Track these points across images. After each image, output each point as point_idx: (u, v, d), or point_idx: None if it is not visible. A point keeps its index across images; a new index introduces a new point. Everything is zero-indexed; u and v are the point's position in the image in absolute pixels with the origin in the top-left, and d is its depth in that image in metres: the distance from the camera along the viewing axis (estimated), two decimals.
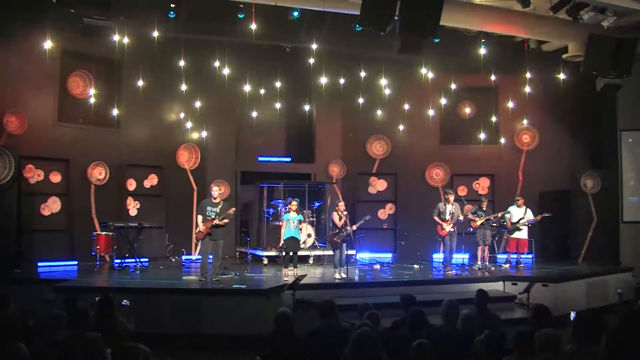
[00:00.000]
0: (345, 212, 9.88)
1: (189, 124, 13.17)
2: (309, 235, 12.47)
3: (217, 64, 12.09)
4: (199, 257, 10.33)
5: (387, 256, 12.97)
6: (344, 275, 9.71)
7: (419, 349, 4.09)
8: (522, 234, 11.53)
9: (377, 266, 11.57)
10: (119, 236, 11.13)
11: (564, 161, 13.78)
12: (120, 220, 11.70)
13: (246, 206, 13.95)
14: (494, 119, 14.20)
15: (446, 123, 14.47)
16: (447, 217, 10.62)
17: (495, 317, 5.99)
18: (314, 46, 11.73)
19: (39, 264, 10.21)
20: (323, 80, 12.85)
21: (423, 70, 13.02)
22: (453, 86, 13.70)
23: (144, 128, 12.86)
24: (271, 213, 13.01)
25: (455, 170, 14.11)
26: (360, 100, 13.88)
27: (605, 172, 13.01)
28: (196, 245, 12.10)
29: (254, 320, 7.75)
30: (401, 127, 14.17)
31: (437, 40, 10.66)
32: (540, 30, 11.14)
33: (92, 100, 11.68)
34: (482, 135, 13.96)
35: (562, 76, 12.13)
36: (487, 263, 11.21)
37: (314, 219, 13.03)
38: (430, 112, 13.90)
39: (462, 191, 13.81)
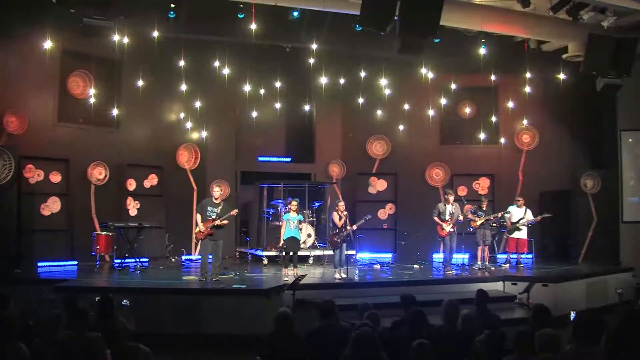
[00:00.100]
0: (345, 212, 9.88)
1: (189, 124, 13.17)
2: (309, 235, 12.48)
3: (217, 64, 12.09)
4: (199, 257, 10.33)
5: (387, 256, 12.97)
6: (344, 275, 9.71)
7: (419, 349, 4.09)
8: (522, 234, 11.53)
9: (377, 266, 11.57)
10: (119, 236, 11.13)
11: (564, 161, 13.78)
12: (120, 220, 11.70)
13: (246, 206, 13.95)
14: (494, 119, 14.20)
15: (446, 123, 14.47)
16: (447, 217, 10.62)
17: (495, 317, 5.99)
18: (314, 46, 11.72)
19: (39, 264, 10.21)
20: (323, 80, 12.85)
21: (423, 70, 13.02)
22: (453, 86, 13.70)
23: (144, 128, 12.87)
24: (271, 213, 13.01)
25: (455, 170, 14.11)
26: (360, 100, 13.87)
27: (605, 172, 13.01)
28: (196, 245, 12.09)
29: (254, 320, 7.75)
30: (401, 127, 14.17)
31: (437, 40, 10.65)
32: (540, 30, 11.14)
33: (92, 100, 11.68)
34: (482, 135, 13.95)
35: (562, 76, 12.13)
36: (487, 263, 11.21)
37: (314, 219, 13.03)
38: (430, 112, 13.89)
39: (462, 191, 13.81)
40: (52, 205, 11.36)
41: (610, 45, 9.89)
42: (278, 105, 13.74)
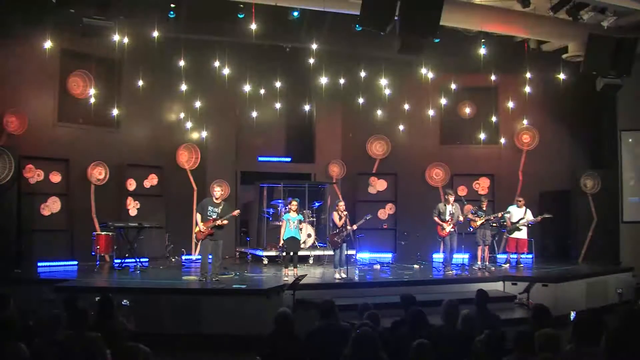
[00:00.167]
0: (345, 212, 9.88)
1: (189, 124, 13.17)
2: (309, 235, 12.47)
3: (217, 64, 12.09)
4: (199, 257, 10.34)
5: (387, 256, 12.97)
6: (344, 275, 9.71)
7: (419, 349, 4.09)
8: (522, 234, 11.53)
9: (377, 266, 11.57)
10: (119, 236, 11.14)
11: (564, 161, 13.78)
12: (120, 220, 11.70)
13: (246, 206, 13.94)
14: (494, 119, 14.20)
15: (446, 123, 14.47)
16: (447, 217, 10.62)
17: (495, 317, 5.99)
18: (314, 46, 11.72)
19: (39, 264, 10.22)
20: (323, 80, 12.84)
21: (423, 70, 13.02)
22: (453, 86, 13.70)
23: (144, 128, 12.87)
24: (271, 213, 13.01)
25: (455, 170, 14.11)
26: (360, 100, 13.87)
27: (605, 172, 13.01)
28: (196, 245, 12.09)
29: (254, 320, 7.75)
30: (401, 127, 14.17)
31: (437, 40, 10.66)
32: (540, 30, 11.14)
33: (92, 100, 11.67)
34: (482, 135, 13.96)
35: (562, 76, 12.12)
36: (487, 263, 11.21)
37: (314, 219, 13.03)
38: (430, 112, 13.89)
39: (462, 191, 13.81)
40: (52, 205, 11.36)
41: (610, 45, 9.89)
42: (278, 105, 13.74)
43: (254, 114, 13.57)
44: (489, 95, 14.26)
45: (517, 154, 13.96)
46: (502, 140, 14.12)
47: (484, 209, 11.28)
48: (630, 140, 12.90)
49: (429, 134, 14.28)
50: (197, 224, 9.50)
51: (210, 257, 9.42)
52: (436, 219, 10.70)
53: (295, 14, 10.96)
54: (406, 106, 13.93)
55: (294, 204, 10.44)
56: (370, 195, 14.39)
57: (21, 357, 3.76)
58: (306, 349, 4.86)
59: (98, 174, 11.75)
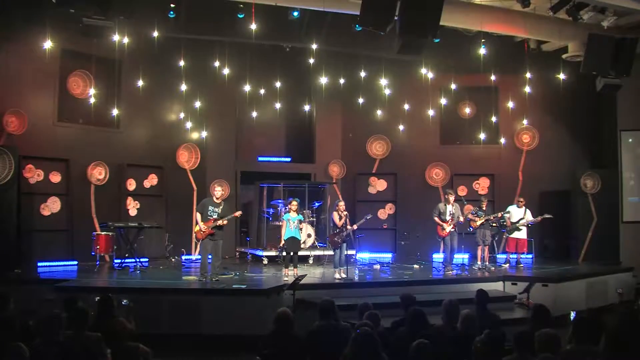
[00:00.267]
0: (345, 212, 9.87)
1: (189, 124, 13.16)
2: (309, 235, 12.47)
3: (217, 64, 12.10)
4: (199, 257, 10.34)
5: (387, 256, 12.97)
6: (344, 275, 9.71)
7: (418, 349, 4.10)
8: (522, 234, 11.53)
9: (377, 266, 11.56)
10: (119, 236, 11.14)
11: (564, 161, 13.78)
12: (120, 220, 11.70)
13: (246, 206, 13.93)
14: (494, 119, 14.20)
15: (446, 123, 14.48)
16: (448, 217, 10.62)
17: (495, 317, 5.99)
18: (314, 46, 11.72)
19: (39, 264, 10.22)
20: (323, 80, 12.85)
21: (423, 70, 13.03)
22: (453, 86, 13.70)
23: (144, 128, 12.88)
24: (271, 213, 13.01)
25: (455, 170, 14.12)
26: (360, 100, 13.88)
27: (605, 172, 13.02)
28: (196, 245, 12.10)
29: (254, 320, 7.75)
30: (401, 127, 14.18)
31: (437, 40, 10.68)
32: (540, 30, 11.15)
33: (92, 100, 11.67)
34: (482, 135, 13.96)
35: (562, 76, 12.13)
36: (487, 263, 11.21)
37: (314, 219, 13.03)
38: (430, 112, 13.90)
39: (462, 191, 13.81)
40: (52, 205, 11.36)
41: (610, 45, 9.89)
42: (278, 105, 13.75)
43: (254, 114, 13.58)
44: (489, 95, 14.26)
45: (517, 154, 13.96)
46: (502, 140, 14.13)
47: (484, 209, 11.28)
48: (630, 140, 12.91)
49: (429, 134, 14.28)
50: (197, 224, 9.50)
51: (210, 257, 9.42)
52: (436, 218, 10.70)
53: (295, 14, 10.97)
54: (406, 106, 13.94)
55: (294, 204, 10.44)
56: (370, 195, 14.40)
57: (21, 357, 3.76)
58: (306, 348, 4.86)
59: (98, 174, 11.75)
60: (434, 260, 12.28)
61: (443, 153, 14.30)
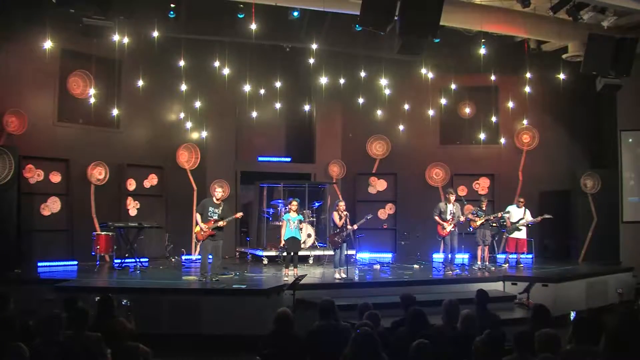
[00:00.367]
0: (345, 212, 9.87)
1: (189, 124, 13.16)
2: (309, 235, 12.47)
3: (217, 64, 12.09)
4: (199, 257, 10.33)
5: (387, 256, 12.97)
6: (344, 275, 9.71)
7: (418, 349, 4.10)
8: (521, 234, 11.54)
9: (377, 266, 11.56)
10: (119, 236, 11.14)
11: (564, 161, 13.79)
12: (120, 220, 11.70)
13: (246, 206, 13.95)
14: (494, 119, 14.21)
15: (446, 123, 14.48)
16: (448, 217, 10.62)
17: (495, 317, 5.99)
18: (314, 46, 11.72)
19: (39, 264, 10.22)
20: (323, 80, 12.85)
21: (423, 70, 13.03)
22: (453, 86, 13.70)
23: (144, 128, 12.89)
24: (271, 213, 13.01)
25: (455, 170, 14.12)
26: (360, 100, 13.87)
27: (605, 172, 13.02)
28: (196, 245, 12.10)
29: (254, 320, 7.75)
30: (401, 127, 14.18)
31: (437, 40, 10.68)
32: (540, 30, 11.15)
33: (92, 100, 11.67)
34: (482, 135, 13.96)
35: (562, 76, 12.13)
36: (487, 263, 11.21)
37: (314, 219, 13.03)
38: (430, 112, 13.90)
39: (462, 191, 13.81)
40: (52, 205, 11.36)
41: (610, 45, 9.89)
42: (278, 105, 13.74)
43: (254, 114, 13.56)
44: (489, 95, 14.26)
45: (517, 154, 13.97)
46: (502, 140, 14.13)
47: (484, 209, 11.28)
48: (630, 140, 12.91)
49: (429, 134, 14.28)
50: (197, 224, 9.50)
51: (210, 257, 9.42)
52: (437, 218, 10.70)
53: (295, 14, 10.96)
54: (406, 106, 13.95)
55: (294, 204, 10.44)
56: (370, 195, 14.40)
57: (21, 357, 3.76)
58: (306, 348, 4.86)
59: (98, 174, 11.75)
60: (434, 260, 12.28)
61: (443, 153, 14.30)
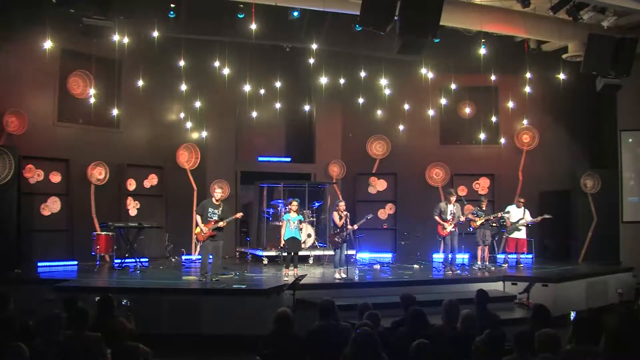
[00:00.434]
0: (345, 212, 9.87)
1: (189, 124, 13.16)
2: (309, 235, 12.47)
3: (217, 64, 12.09)
4: (199, 257, 10.33)
5: (387, 256, 12.97)
6: (344, 275, 9.71)
7: (418, 349, 4.10)
8: (521, 234, 11.53)
9: (377, 266, 11.56)
10: (119, 236, 11.14)
11: (564, 161, 13.79)
12: (120, 220, 11.70)
13: (246, 206, 13.95)
14: (494, 119, 14.21)
15: (446, 123, 14.48)
16: (449, 217, 10.62)
17: (495, 317, 5.99)
18: (314, 46, 11.71)
19: (39, 264, 10.22)
20: (323, 80, 12.85)
21: (423, 70, 13.02)
22: (453, 86, 13.70)
23: (144, 128, 12.89)
24: (271, 213, 13.01)
25: (455, 170, 14.11)
26: (360, 100, 13.88)
27: (605, 172, 13.02)
28: (196, 245, 12.10)
29: (254, 320, 7.75)
30: (401, 127, 14.18)
31: (437, 40, 10.67)
32: (540, 30, 11.15)
33: (92, 100, 11.67)
34: (482, 135, 13.96)
35: (562, 76, 12.13)
36: (487, 263, 11.21)
37: (314, 219, 13.03)
38: (430, 112, 13.90)
39: (462, 191, 13.81)
40: (52, 205, 11.36)
41: (610, 45, 9.90)
42: (278, 105, 13.74)
43: (254, 114, 13.56)
44: (489, 95, 14.27)
45: (517, 154, 13.96)
46: (502, 140, 14.13)
47: (484, 209, 11.28)
48: (630, 140, 12.91)
49: (429, 134, 14.28)
50: (197, 226, 9.50)
51: (210, 257, 9.42)
52: (437, 218, 10.70)
53: (295, 14, 10.97)
54: (406, 106, 13.95)
55: (295, 204, 10.44)
56: (370, 195, 14.40)
57: (21, 357, 3.76)
58: (306, 348, 4.86)
59: (98, 174, 11.75)
60: (434, 260, 12.29)
61: (443, 153, 14.30)
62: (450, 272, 10.60)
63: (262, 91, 13.55)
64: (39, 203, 11.18)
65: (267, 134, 14.55)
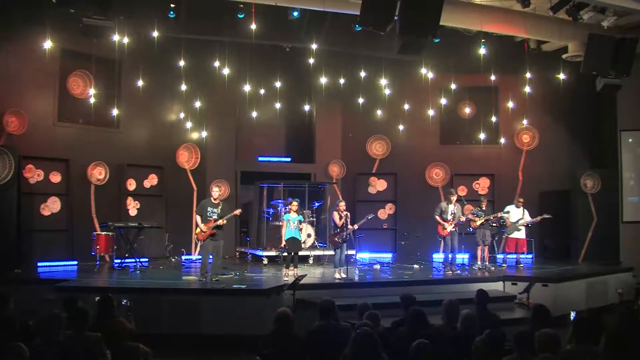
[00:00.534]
0: (345, 212, 9.87)
1: (189, 124, 13.17)
2: (309, 235, 12.47)
3: (217, 64, 12.09)
4: (199, 257, 10.33)
5: (387, 256, 12.97)
6: (344, 275, 9.71)
7: (418, 349, 4.10)
8: (521, 234, 11.53)
9: (377, 266, 11.56)
10: (119, 236, 11.14)
11: (564, 161, 13.79)
12: (120, 220, 11.70)
13: (246, 206, 13.93)
14: (494, 119, 14.21)
15: (446, 123, 14.48)
16: (449, 216, 10.62)
17: (495, 317, 5.99)
18: (314, 46, 11.71)
19: (39, 264, 10.22)
20: (323, 80, 12.86)
21: (423, 70, 13.03)
22: (453, 86, 13.70)
23: (144, 128, 12.89)
24: (271, 213, 13.01)
25: (455, 170, 14.11)
26: (360, 100, 13.88)
27: (605, 172, 13.02)
28: (196, 245, 12.10)
29: (254, 320, 7.75)
30: (401, 127, 14.18)
31: (437, 40, 10.68)
32: (540, 30, 11.15)
33: (92, 100, 11.67)
34: (482, 135, 13.96)
35: (562, 76, 12.13)
36: (487, 263, 11.21)
37: (314, 219, 13.03)
38: (430, 112, 13.90)
39: (462, 191, 13.80)
40: (52, 205, 11.36)
41: (610, 45, 9.90)
42: (278, 105, 13.74)
43: (254, 114, 13.56)
44: (489, 95, 14.28)
45: (517, 154, 13.96)
46: (502, 140, 14.13)
47: (484, 209, 11.28)
48: (630, 140, 12.91)
49: (429, 134, 14.29)
50: (197, 226, 9.51)
51: (210, 257, 9.43)
52: (438, 217, 10.70)
53: (295, 14, 10.97)
54: (406, 106, 13.95)
55: (295, 204, 10.44)
56: (370, 195, 14.40)
57: (21, 357, 3.76)
58: (306, 348, 4.86)
59: (98, 174, 11.75)
60: (434, 260, 12.29)
61: (443, 153, 14.30)
62: (450, 272, 10.61)
63: (262, 91, 13.55)
64: (39, 203, 11.18)
65: (267, 134, 14.55)
